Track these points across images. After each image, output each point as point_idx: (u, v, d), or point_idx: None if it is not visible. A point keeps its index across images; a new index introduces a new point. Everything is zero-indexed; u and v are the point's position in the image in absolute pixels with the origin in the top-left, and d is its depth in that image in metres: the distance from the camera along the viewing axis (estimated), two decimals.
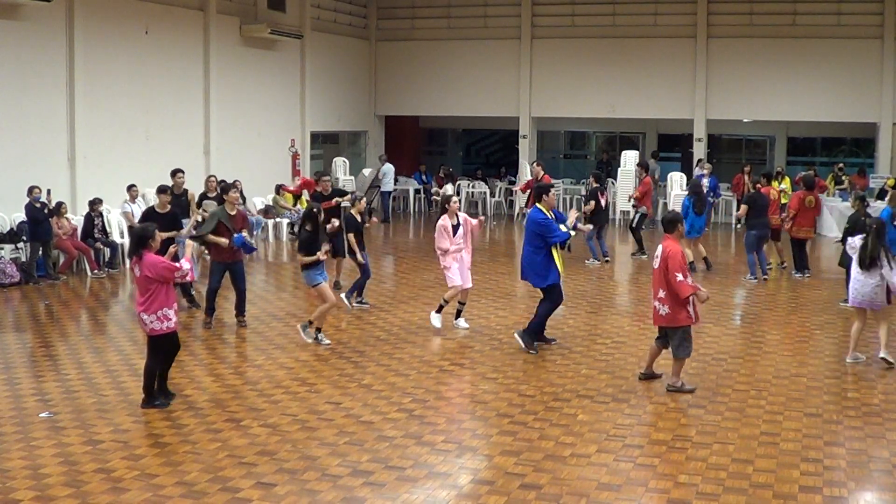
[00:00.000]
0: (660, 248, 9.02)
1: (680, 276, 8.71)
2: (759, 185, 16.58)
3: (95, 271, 15.61)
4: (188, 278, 8.52)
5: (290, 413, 8.37)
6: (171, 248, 8.73)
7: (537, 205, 10.78)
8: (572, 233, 10.77)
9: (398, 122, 28.46)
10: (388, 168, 24.65)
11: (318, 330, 10.91)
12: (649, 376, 9.41)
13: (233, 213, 11.60)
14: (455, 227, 11.59)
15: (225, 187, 12.08)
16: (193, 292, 13.08)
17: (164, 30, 19.08)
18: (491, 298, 13.83)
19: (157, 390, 8.54)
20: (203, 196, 15.87)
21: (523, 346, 10.67)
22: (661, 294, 8.91)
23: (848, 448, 7.56)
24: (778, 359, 10.43)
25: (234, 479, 6.81)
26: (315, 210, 10.94)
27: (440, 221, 11.57)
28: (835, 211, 20.86)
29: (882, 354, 10.05)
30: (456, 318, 11.83)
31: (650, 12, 25.13)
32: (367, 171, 24.94)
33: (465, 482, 6.85)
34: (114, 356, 10.38)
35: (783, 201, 21.34)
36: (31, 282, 14.67)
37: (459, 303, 11.84)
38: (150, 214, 12.47)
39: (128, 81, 18.25)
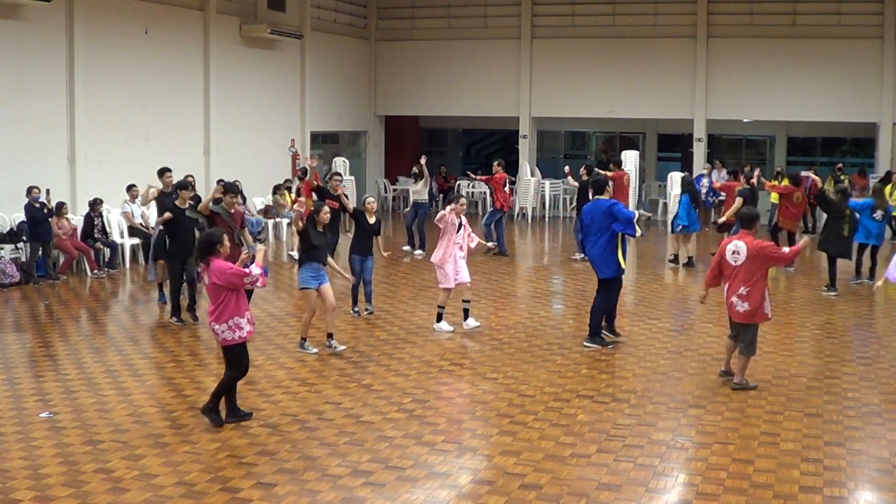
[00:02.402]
0: (740, 244, 9.05)
1: (785, 249, 9.23)
2: (751, 182, 16.87)
3: (95, 271, 15.61)
4: (259, 284, 8.06)
5: (290, 413, 8.36)
6: (243, 255, 8.25)
7: (600, 197, 10.88)
8: (637, 213, 10.94)
9: (398, 122, 28.46)
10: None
11: (330, 336, 10.59)
12: (729, 373, 9.38)
13: (232, 210, 11.60)
14: (458, 226, 11.57)
15: (227, 187, 12.04)
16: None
17: (164, 30, 19.08)
18: (491, 298, 13.83)
19: (227, 408, 8.11)
20: None
21: (598, 347, 10.74)
22: (743, 291, 8.97)
23: (848, 448, 7.56)
24: (778, 359, 10.43)
25: (234, 479, 6.81)
26: (314, 209, 10.82)
27: (446, 212, 11.49)
28: None
29: None
30: (465, 320, 11.68)
31: (650, 12, 25.13)
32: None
33: (465, 482, 6.85)
34: (114, 356, 10.38)
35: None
36: (31, 282, 14.66)
37: (464, 301, 11.71)
38: (174, 210, 12.32)
39: (128, 81, 18.25)
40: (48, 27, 16.41)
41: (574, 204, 18.60)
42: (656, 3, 25.06)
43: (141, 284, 15.45)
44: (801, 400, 8.86)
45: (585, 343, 10.83)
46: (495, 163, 18.93)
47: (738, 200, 16.10)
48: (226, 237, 8.11)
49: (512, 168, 27.49)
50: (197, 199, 14.56)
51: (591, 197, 11.36)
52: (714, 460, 7.26)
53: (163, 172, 14.07)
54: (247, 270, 7.86)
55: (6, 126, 15.83)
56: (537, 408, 8.59)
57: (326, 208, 10.84)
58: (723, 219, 16.86)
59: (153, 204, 18.00)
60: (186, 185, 12.83)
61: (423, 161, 18.92)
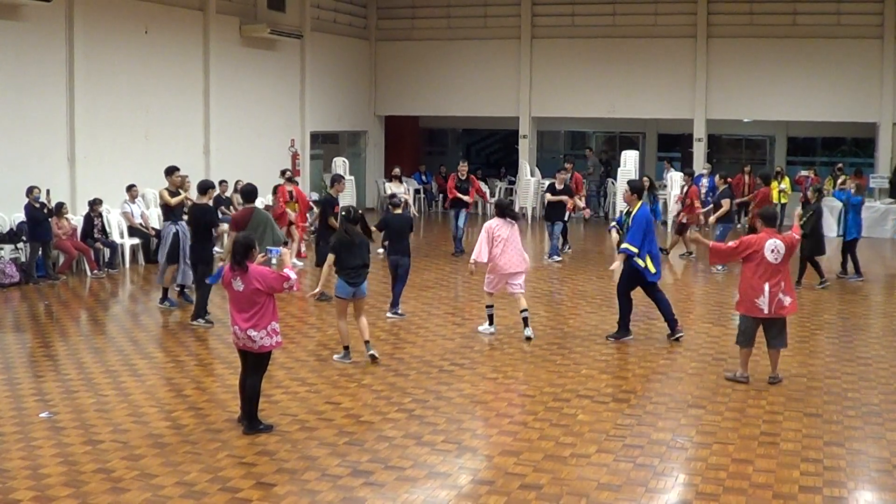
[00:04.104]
0: (777, 241, 9.17)
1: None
2: (728, 180, 18.05)
3: (95, 271, 15.61)
4: (295, 288, 7.93)
5: (290, 413, 8.36)
6: (261, 258, 8.00)
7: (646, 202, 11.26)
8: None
9: (398, 122, 28.45)
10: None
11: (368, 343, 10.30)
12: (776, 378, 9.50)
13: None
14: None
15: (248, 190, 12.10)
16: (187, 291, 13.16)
17: (164, 30, 19.07)
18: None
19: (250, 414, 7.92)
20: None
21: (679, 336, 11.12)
22: (784, 285, 9.23)
23: (848, 448, 7.56)
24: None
25: (234, 479, 6.81)
26: (360, 214, 10.54)
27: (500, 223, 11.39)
28: (835, 211, 20.85)
29: None
30: (491, 323, 11.60)
31: (650, 12, 25.12)
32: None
33: (464, 482, 6.85)
34: (114, 356, 10.38)
35: (783, 201, 21.59)
36: (31, 282, 14.66)
37: (523, 311, 11.46)
38: (207, 210, 12.31)
39: (128, 81, 18.24)
40: (48, 27, 16.40)
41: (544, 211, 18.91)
42: (656, 3, 25.05)
43: (141, 284, 15.46)
44: (801, 400, 8.86)
45: (679, 337, 11.12)
46: (462, 163, 18.87)
47: (726, 202, 16.61)
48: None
49: (512, 169, 27.57)
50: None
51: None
52: (714, 460, 7.26)
53: (171, 171, 13.75)
54: (286, 275, 7.71)
55: (6, 126, 15.83)
56: (537, 408, 8.59)
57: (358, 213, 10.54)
58: (712, 218, 17.38)
59: (153, 205, 18.11)
60: (212, 184, 12.85)
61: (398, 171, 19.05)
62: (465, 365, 10.17)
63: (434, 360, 10.31)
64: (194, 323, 11.91)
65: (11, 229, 15.39)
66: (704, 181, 20.44)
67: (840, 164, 23.84)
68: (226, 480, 6.77)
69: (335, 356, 10.21)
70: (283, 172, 18.48)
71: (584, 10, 25.62)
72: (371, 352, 10.07)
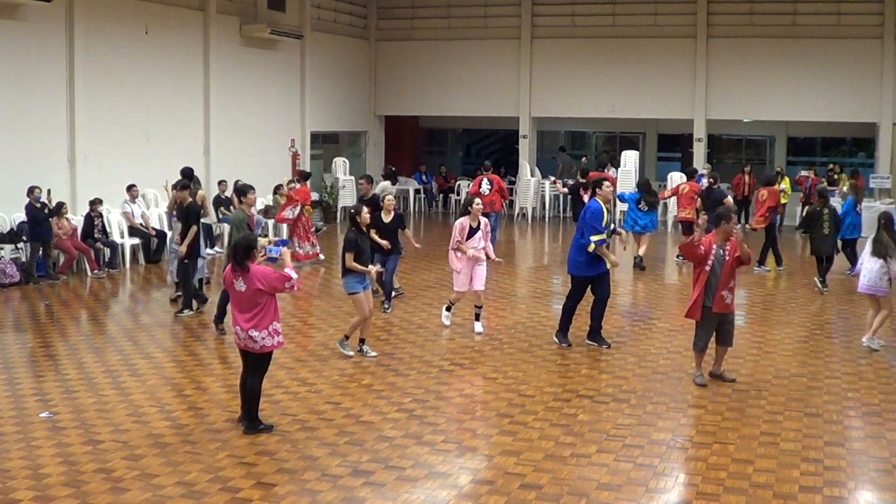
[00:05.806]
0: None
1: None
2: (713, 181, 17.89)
3: (95, 271, 15.61)
4: (296, 288, 7.91)
5: (290, 413, 8.37)
6: (259, 258, 7.94)
7: (596, 197, 11.00)
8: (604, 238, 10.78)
9: (398, 122, 28.45)
10: None
11: (362, 341, 10.46)
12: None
13: (249, 213, 11.82)
14: (473, 230, 11.53)
15: (242, 189, 12.11)
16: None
17: (164, 30, 19.07)
18: (491, 298, 13.81)
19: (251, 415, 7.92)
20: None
21: (559, 343, 10.87)
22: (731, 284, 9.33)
23: (848, 448, 7.57)
24: (778, 359, 10.44)
25: (234, 479, 6.81)
26: (354, 210, 10.56)
27: (459, 220, 11.61)
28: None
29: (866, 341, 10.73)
30: (475, 320, 11.72)
31: (650, 12, 25.12)
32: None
33: (465, 482, 6.85)
34: (114, 356, 10.38)
35: (783, 201, 21.61)
36: (31, 282, 14.66)
37: (476, 306, 11.72)
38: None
39: (128, 81, 18.23)
40: (48, 27, 16.39)
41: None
42: (656, 3, 25.04)
43: (141, 284, 15.46)
44: (801, 400, 8.87)
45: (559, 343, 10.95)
46: (483, 170, 18.74)
47: (728, 199, 16.73)
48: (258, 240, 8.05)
49: (512, 169, 27.58)
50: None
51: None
52: (714, 460, 7.27)
53: (185, 186, 13.59)
54: (287, 274, 7.70)
55: (6, 126, 15.82)
56: (537, 408, 8.59)
57: (365, 209, 10.62)
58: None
59: (153, 205, 18.12)
60: (187, 184, 12.98)
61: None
62: (465, 365, 10.18)
63: (434, 360, 10.31)
64: (183, 314, 12.38)
65: (12, 229, 15.39)
66: (705, 181, 20.45)
67: (832, 165, 23.85)
68: (226, 480, 6.77)
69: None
70: (304, 174, 18.50)
71: (584, 10, 25.62)
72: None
